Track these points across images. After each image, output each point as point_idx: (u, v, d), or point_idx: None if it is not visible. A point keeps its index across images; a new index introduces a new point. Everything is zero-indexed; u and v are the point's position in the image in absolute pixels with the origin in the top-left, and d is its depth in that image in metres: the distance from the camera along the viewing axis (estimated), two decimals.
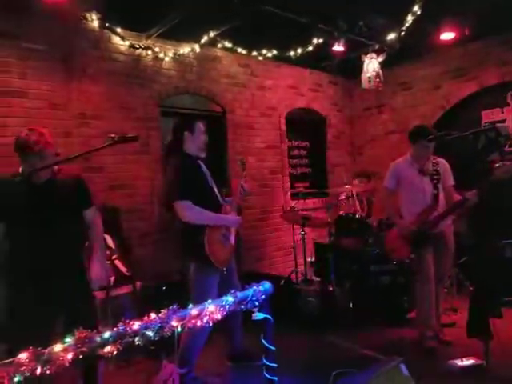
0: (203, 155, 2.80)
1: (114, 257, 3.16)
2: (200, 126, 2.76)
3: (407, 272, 3.70)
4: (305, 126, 5.97)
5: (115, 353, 1.45)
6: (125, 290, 3.14)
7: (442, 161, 3.27)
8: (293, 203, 5.16)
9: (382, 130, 6.00)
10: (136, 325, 1.50)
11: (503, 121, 4.82)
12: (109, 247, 3.19)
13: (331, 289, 3.98)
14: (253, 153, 5.08)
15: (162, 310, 1.62)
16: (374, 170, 5.15)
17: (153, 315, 1.58)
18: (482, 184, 2.68)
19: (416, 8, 3.59)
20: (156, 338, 1.55)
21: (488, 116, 4.97)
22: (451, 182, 3.24)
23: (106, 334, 1.42)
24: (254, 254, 4.96)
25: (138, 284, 3.22)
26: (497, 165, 3.14)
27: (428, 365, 2.84)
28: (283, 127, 5.48)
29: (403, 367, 1.62)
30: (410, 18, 3.75)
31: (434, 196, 3.07)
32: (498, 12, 4.02)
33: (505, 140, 2.41)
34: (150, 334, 1.54)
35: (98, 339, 1.39)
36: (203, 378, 2.77)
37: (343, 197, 4.81)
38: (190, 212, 2.53)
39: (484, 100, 5.00)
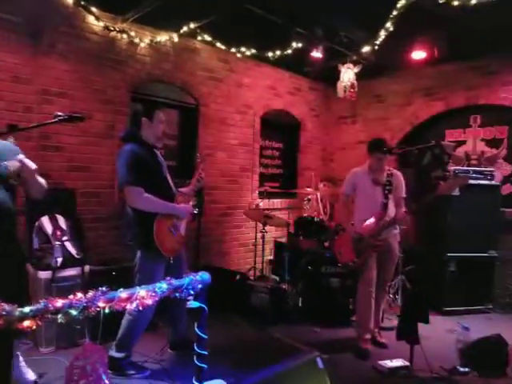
0: (160, 145, 2.81)
1: (64, 238, 3.14)
2: (160, 114, 2.76)
3: (355, 275, 3.84)
4: (280, 128, 6.06)
5: (34, 328, 1.47)
6: (72, 272, 3.12)
7: (397, 173, 3.41)
8: (259, 202, 5.23)
9: (354, 139, 6.14)
10: (59, 302, 1.52)
11: (464, 142, 5.04)
12: (60, 228, 3.17)
13: (284, 287, 4.08)
14: (224, 148, 5.11)
15: (90, 291, 1.65)
16: (341, 177, 5.28)
17: (79, 294, 1.60)
18: (426, 199, 2.82)
19: (389, 24, 3.70)
20: (80, 317, 1.58)
21: (451, 135, 5.16)
22: (402, 194, 3.38)
23: (26, 309, 1.43)
24: (215, 248, 5.01)
25: (87, 267, 3.20)
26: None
27: (360, 364, 3.01)
28: (257, 126, 5.54)
29: (319, 361, 1.70)
30: (382, 34, 3.86)
31: (383, 205, 3.21)
32: (469, 38, 4.19)
33: (448, 158, 2.54)
34: (74, 312, 1.56)
35: (17, 313, 1.40)
36: (141, 364, 2.80)
37: (305, 199, 4.93)
38: (139, 198, 2.54)
39: (449, 120, 5.20)
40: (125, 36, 4.00)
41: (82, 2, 3.60)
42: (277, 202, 5.58)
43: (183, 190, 2.92)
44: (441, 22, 3.76)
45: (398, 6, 3.48)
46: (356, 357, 3.12)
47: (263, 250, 4.80)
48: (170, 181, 2.81)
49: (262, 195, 5.13)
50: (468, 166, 4.75)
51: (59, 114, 1.84)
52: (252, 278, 4.61)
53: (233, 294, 4.01)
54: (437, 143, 2.54)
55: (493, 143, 4.85)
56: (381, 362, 2.84)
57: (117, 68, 3.99)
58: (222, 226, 5.11)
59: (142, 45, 4.16)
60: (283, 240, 5.15)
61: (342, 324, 3.75)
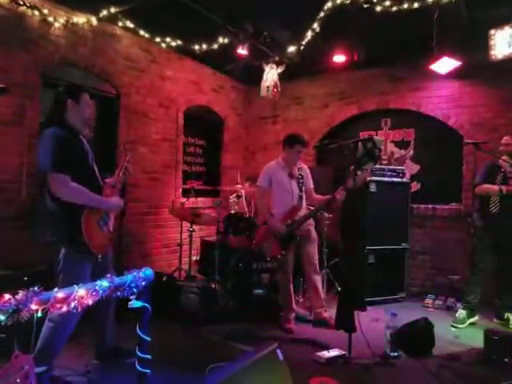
0: (87, 132, 2.52)
1: None
2: (87, 97, 2.49)
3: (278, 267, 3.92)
4: (203, 125, 5.95)
5: None
6: None
7: (304, 166, 3.65)
8: (183, 200, 5.06)
9: (274, 139, 6.28)
10: None
11: None
12: None
13: (213, 286, 3.98)
14: (146, 143, 4.85)
15: (20, 292, 1.40)
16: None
17: (7, 296, 1.35)
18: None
19: (315, 25, 3.87)
20: (9, 323, 1.33)
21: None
22: (312, 185, 3.64)
23: None
24: (137, 249, 4.71)
25: None
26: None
27: (300, 357, 2.99)
28: (181, 122, 5.36)
29: (279, 352, 1.67)
30: (309, 34, 4.02)
31: (299, 197, 3.37)
32: (382, 46, 4.58)
33: (379, 152, 2.75)
34: (2, 317, 1.31)
35: None
36: (65, 378, 2.48)
37: (233, 197, 4.90)
38: (66, 187, 2.24)
39: (363, 122, 5.62)
40: (36, 13, 3.56)
41: None
42: (202, 200, 5.45)
43: (109, 180, 2.67)
44: (360, 27, 4.04)
45: (325, 8, 3.66)
46: (294, 349, 3.11)
47: (190, 249, 4.64)
48: (97, 171, 2.54)
49: (187, 193, 4.97)
50: (379, 165, 5.18)
51: None
52: (179, 279, 4.43)
53: (160, 296, 3.78)
54: (369, 137, 2.72)
55: (401, 144, 5.37)
56: (319, 354, 2.90)
57: (26, 48, 3.52)
58: (144, 225, 4.83)
59: (57, 25, 3.74)
60: (210, 239, 5.04)
61: (274, 318, 3.76)
